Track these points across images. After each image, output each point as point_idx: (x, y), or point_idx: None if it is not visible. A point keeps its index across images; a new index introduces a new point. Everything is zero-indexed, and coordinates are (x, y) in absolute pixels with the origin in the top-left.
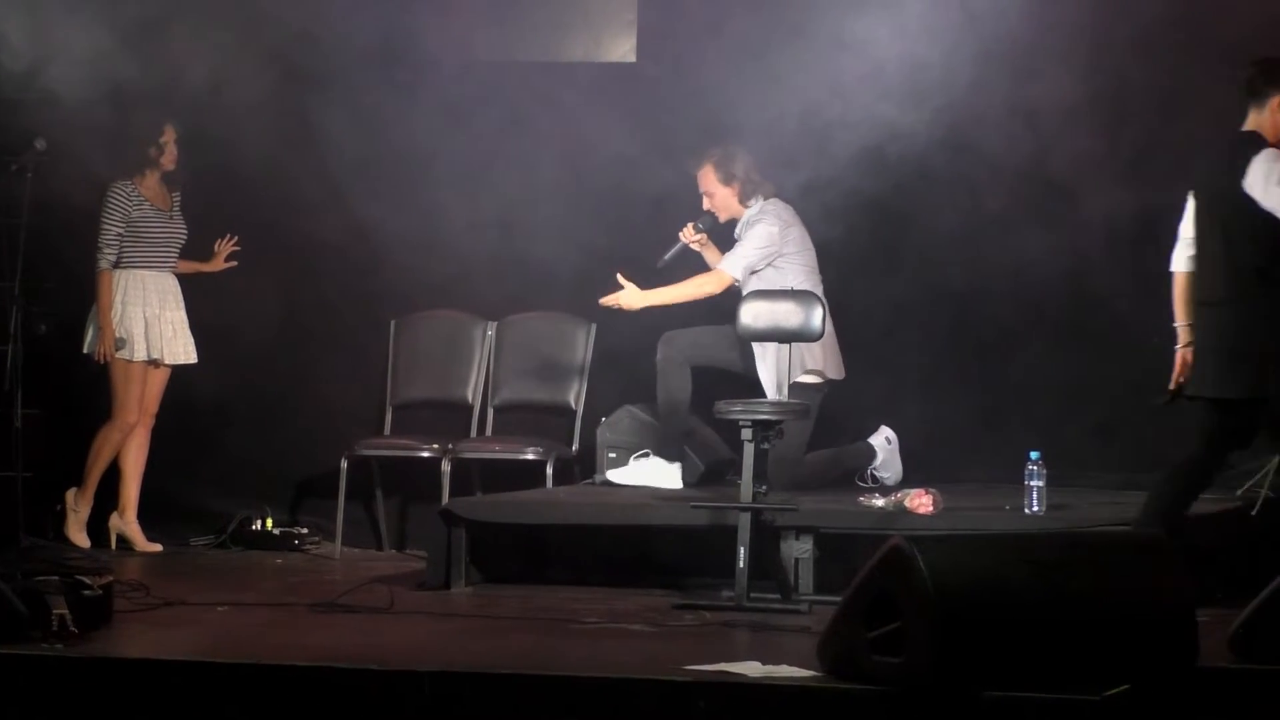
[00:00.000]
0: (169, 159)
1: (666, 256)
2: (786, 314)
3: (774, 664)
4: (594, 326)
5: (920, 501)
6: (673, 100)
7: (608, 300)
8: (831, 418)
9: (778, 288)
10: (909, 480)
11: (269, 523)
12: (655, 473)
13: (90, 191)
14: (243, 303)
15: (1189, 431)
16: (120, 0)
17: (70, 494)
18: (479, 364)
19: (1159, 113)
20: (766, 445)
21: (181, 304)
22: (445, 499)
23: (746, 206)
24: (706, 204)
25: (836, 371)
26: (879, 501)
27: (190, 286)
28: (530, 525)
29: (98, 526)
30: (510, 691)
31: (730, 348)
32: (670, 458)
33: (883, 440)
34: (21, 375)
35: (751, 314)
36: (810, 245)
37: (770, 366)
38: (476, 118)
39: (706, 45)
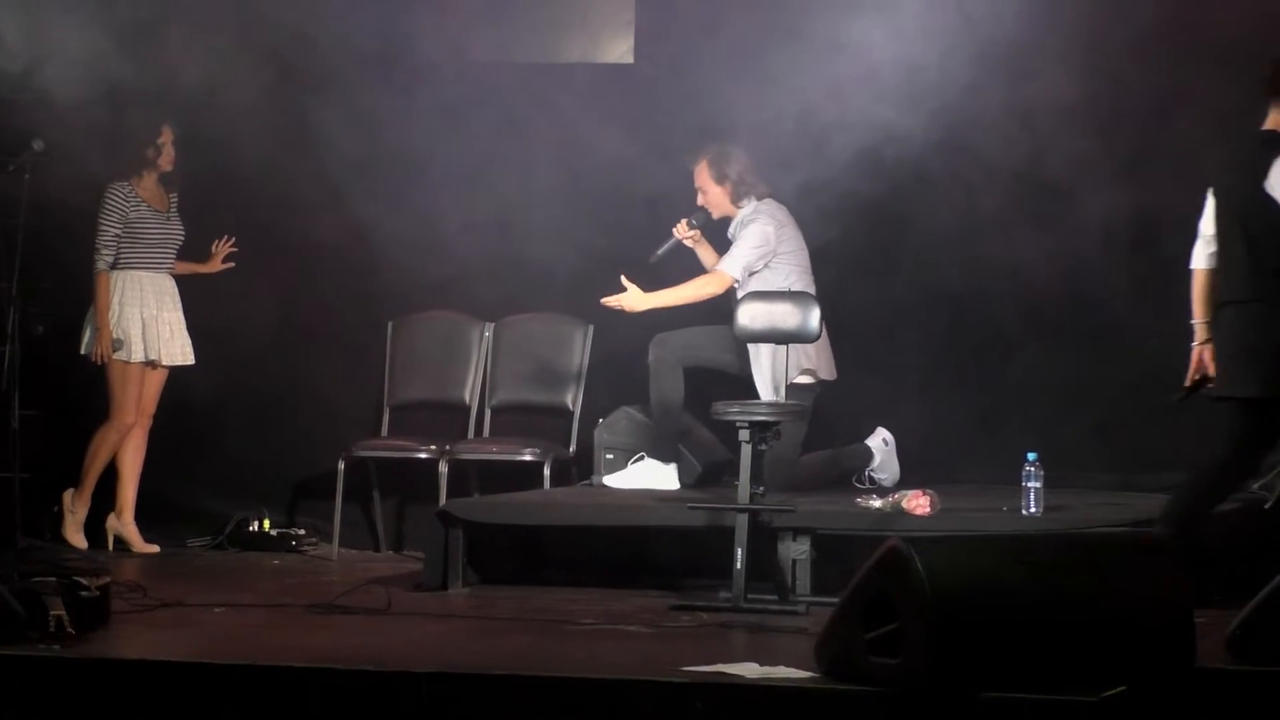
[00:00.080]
0: (166, 160)
1: (659, 252)
2: (784, 315)
3: (771, 665)
4: (591, 328)
5: (917, 503)
6: (670, 101)
7: (610, 301)
8: (829, 419)
9: (772, 288)
10: (906, 481)
11: (266, 524)
12: (651, 475)
13: (87, 192)
14: (240, 304)
15: (1187, 432)
16: (117, 1)
17: (67, 495)
18: (476, 365)
19: (1155, 114)
20: (764, 446)
21: (179, 305)
22: (442, 500)
23: (739, 207)
24: (700, 200)
25: (829, 372)
26: (876, 503)
27: (187, 287)
28: (527, 526)
29: (95, 527)
30: (507, 692)
31: (723, 348)
32: (665, 459)
33: (879, 441)
34: (19, 376)
35: (749, 315)
36: (804, 246)
37: (765, 367)
38: (474, 119)
39: (704, 47)
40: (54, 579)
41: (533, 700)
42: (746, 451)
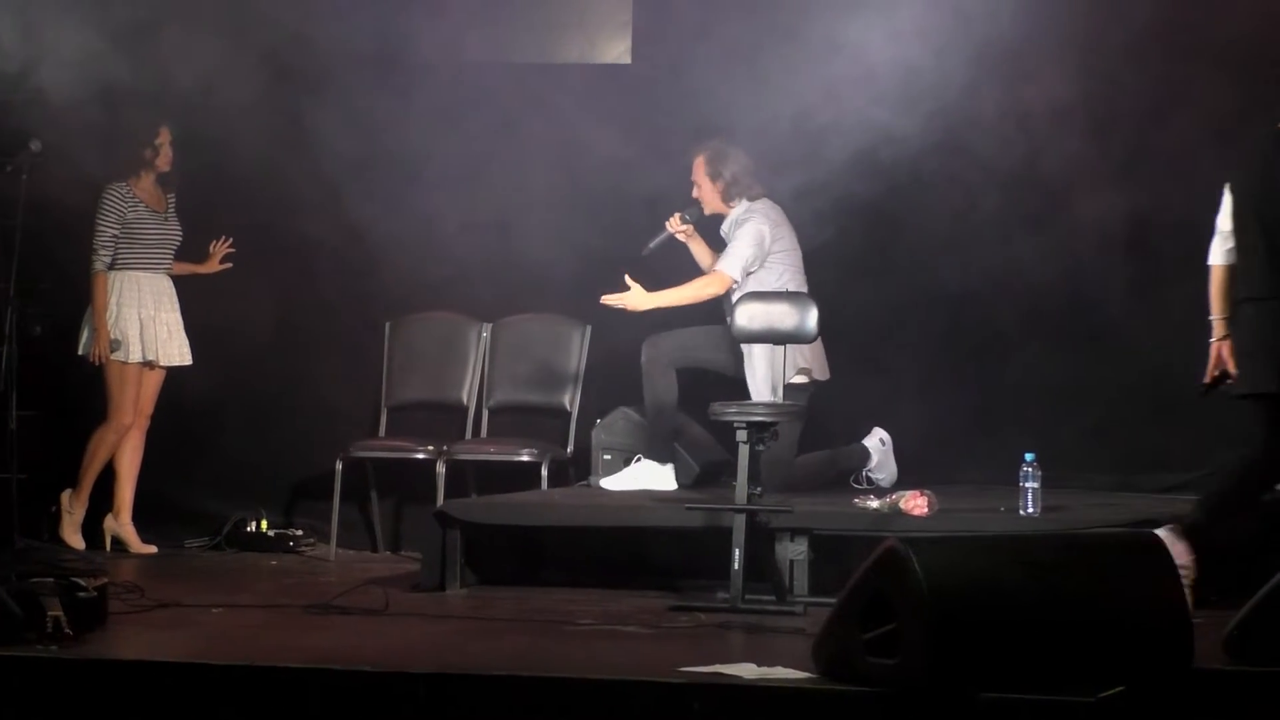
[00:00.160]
0: (164, 160)
1: (651, 245)
2: (782, 315)
3: (769, 665)
4: (589, 328)
5: (915, 503)
6: (668, 102)
7: (613, 300)
8: (826, 419)
9: (765, 288)
10: (904, 482)
11: (264, 524)
12: (648, 476)
13: (85, 193)
14: (238, 304)
15: (1187, 432)
16: (114, 1)
17: (65, 495)
18: (474, 366)
19: (1151, 115)
20: (762, 447)
21: (176, 305)
22: (440, 501)
23: (730, 206)
24: (695, 192)
25: (822, 372)
26: (874, 503)
27: (185, 288)
28: (525, 527)
29: (93, 528)
30: (505, 693)
31: (716, 349)
32: (662, 460)
33: (876, 442)
34: (16, 377)
35: (747, 315)
36: (797, 246)
37: (758, 368)
38: (471, 119)
39: (701, 47)
40: (51, 579)
41: (531, 701)
42: (744, 452)
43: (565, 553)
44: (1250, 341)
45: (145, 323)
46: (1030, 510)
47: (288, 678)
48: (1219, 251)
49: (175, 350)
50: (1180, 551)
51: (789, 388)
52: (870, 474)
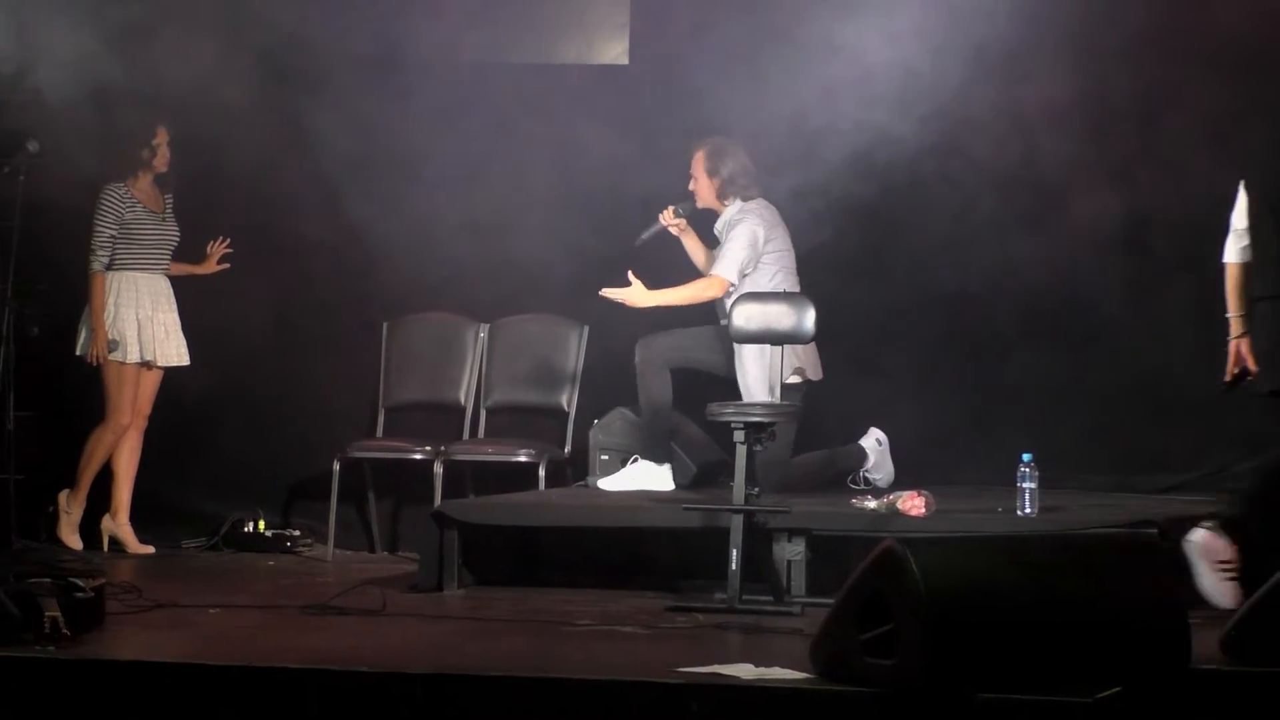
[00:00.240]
0: (161, 161)
1: (644, 235)
2: (779, 316)
3: (766, 666)
4: (586, 329)
5: (912, 504)
6: (665, 103)
7: (612, 294)
8: (823, 420)
9: (758, 288)
10: (901, 482)
11: (261, 525)
12: (645, 476)
13: (83, 193)
14: (235, 305)
15: (1185, 433)
16: (111, 1)
17: (63, 496)
18: (471, 366)
19: (1146, 117)
20: (759, 448)
21: (174, 306)
22: (438, 501)
23: (723, 204)
24: (691, 185)
25: (815, 372)
26: (871, 504)
27: (183, 288)
28: (523, 527)
29: (90, 528)
30: (503, 694)
31: (709, 349)
32: (658, 460)
33: (873, 442)
34: (14, 377)
35: (744, 316)
36: (791, 247)
37: (749, 368)
38: (468, 120)
39: (698, 49)
40: (49, 580)
41: (528, 701)
42: (741, 453)
43: (563, 553)
44: (1268, 339)
45: (143, 323)
46: (1028, 511)
47: (285, 678)
48: (1234, 249)
49: (173, 350)
50: (1223, 547)
51: (785, 388)
52: (867, 474)
